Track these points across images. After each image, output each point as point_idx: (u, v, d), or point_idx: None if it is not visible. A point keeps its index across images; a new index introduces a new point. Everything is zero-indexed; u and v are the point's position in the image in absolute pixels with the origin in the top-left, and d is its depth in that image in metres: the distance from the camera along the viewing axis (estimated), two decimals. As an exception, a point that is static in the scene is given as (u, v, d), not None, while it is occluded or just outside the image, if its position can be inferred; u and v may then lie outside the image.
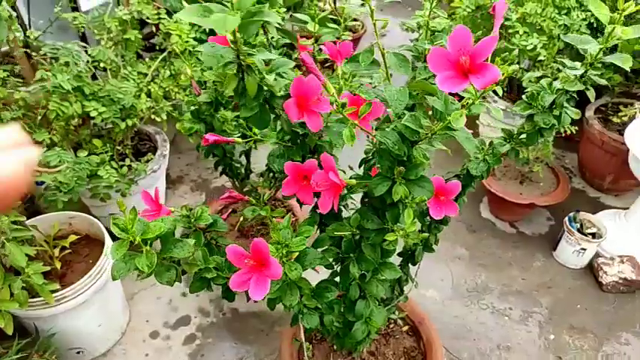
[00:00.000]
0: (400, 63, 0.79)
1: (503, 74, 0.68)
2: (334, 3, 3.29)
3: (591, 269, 2.17)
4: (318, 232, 1.10)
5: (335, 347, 1.50)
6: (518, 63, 2.32)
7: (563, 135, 2.13)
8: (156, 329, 1.90)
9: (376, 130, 0.80)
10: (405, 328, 1.59)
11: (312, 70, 0.73)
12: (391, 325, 1.59)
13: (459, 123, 0.66)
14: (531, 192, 2.25)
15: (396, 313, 1.59)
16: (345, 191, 1.01)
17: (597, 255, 2.17)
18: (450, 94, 0.85)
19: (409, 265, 1.45)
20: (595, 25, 2.20)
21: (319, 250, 0.96)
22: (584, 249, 2.11)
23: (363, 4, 0.78)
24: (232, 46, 0.72)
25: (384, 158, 0.78)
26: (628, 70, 0.93)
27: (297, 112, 0.79)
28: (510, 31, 2.16)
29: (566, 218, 2.16)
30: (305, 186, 0.92)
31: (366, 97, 0.75)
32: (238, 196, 0.96)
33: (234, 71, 0.77)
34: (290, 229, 0.89)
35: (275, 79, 0.81)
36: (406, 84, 0.84)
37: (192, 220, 0.98)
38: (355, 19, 3.33)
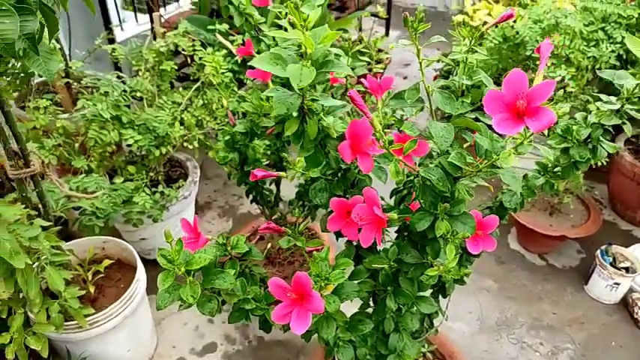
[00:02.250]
0: (446, 100, 0.81)
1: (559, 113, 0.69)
2: (359, 33, 3.36)
3: (626, 305, 2.11)
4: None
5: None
6: (546, 94, 2.32)
7: (594, 167, 2.10)
8: (182, 356, 1.91)
9: (419, 165, 0.81)
10: (435, 362, 1.56)
11: (361, 107, 0.75)
12: (420, 359, 1.57)
13: (508, 162, 0.67)
14: (561, 224, 2.22)
15: (426, 346, 1.56)
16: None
17: (631, 290, 2.10)
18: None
19: (439, 297, 1.44)
20: (625, 57, 2.19)
21: (355, 282, 0.96)
22: (618, 283, 2.05)
23: (411, 44, 0.80)
24: (298, 92, 0.75)
25: (427, 194, 0.79)
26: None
27: (351, 154, 0.80)
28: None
29: (598, 251, 2.11)
30: (350, 222, 0.93)
31: (410, 134, 0.77)
32: (276, 227, 0.98)
33: (296, 114, 0.79)
34: (328, 262, 0.90)
35: (333, 121, 0.83)
36: (449, 120, 0.85)
37: (229, 249, 1.00)
38: (380, 50, 3.39)
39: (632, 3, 2.19)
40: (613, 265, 2.08)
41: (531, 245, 2.36)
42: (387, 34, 4.36)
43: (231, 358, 1.90)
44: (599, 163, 2.09)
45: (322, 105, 0.76)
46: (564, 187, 2.19)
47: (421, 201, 0.78)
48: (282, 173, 1.01)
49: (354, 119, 0.76)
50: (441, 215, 0.78)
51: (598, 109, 1.01)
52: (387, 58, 3.53)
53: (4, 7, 0.83)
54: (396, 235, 1.04)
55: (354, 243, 1.06)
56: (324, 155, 0.83)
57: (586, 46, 2.15)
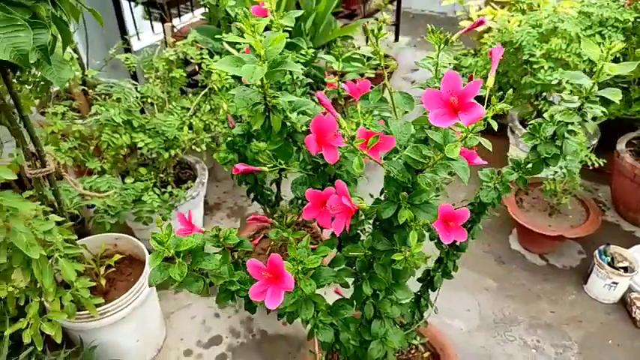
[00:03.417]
0: (405, 101, 0.88)
1: (493, 111, 0.76)
2: (366, 42, 3.44)
3: (624, 304, 2.13)
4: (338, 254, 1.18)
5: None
6: (544, 97, 2.37)
7: (591, 167, 2.14)
8: (189, 347, 2.01)
9: (385, 159, 0.89)
10: (427, 354, 1.62)
11: (327, 107, 0.84)
12: (412, 351, 1.63)
13: (453, 153, 0.74)
14: (560, 224, 2.25)
15: (417, 338, 1.63)
16: (363, 217, 1.10)
17: (630, 290, 2.13)
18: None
19: (429, 291, 1.50)
20: (621, 60, 2.23)
21: (336, 269, 1.04)
22: (616, 283, 2.08)
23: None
24: (260, 90, 0.84)
25: (390, 184, 0.87)
26: None
27: (317, 145, 0.89)
28: (535, 66, 2.22)
29: (597, 251, 2.14)
30: (324, 211, 1.01)
31: (374, 131, 0.85)
32: (262, 218, 1.07)
33: (262, 110, 0.88)
34: (308, 249, 0.98)
35: (297, 117, 0.91)
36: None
37: (222, 240, 1.09)
38: (387, 56, 3.47)
39: (629, 7, 2.23)
40: (611, 264, 2.10)
41: (531, 246, 2.40)
42: (396, 39, 4.44)
43: (236, 351, 1.99)
44: (596, 164, 2.13)
45: (288, 102, 0.84)
46: (562, 188, 2.22)
47: (386, 191, 0.86)
48: (264, 168, 1.09)
49: (318, 115, 0.85)
50: (403, 204, 0.85)
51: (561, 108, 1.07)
52: (396, 64, 3.61)
53: (19, 22, 0.94)
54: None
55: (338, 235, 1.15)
56: (292, 148, 0.91)
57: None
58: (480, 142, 0.80)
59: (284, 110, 0.86)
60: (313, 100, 0.88)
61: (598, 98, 1.01)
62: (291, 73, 1.17)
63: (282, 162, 1.07)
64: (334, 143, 0.90)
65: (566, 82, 2.21)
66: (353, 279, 1.10)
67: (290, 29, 1.16)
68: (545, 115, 1.07)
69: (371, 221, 1.11)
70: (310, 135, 0.88)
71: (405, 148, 0.82)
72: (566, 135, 1.04)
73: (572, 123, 1.01)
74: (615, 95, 0.92)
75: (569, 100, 1.00)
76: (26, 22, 0.96)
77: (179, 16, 3.41)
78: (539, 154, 1.06)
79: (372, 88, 1.23)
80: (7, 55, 0.93)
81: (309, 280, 0.93)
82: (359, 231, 1.15)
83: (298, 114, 0.89)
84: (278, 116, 0.85)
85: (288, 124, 0.91)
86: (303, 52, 1.44)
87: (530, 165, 1.12)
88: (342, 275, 1.03)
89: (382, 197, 1.14)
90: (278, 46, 0.77)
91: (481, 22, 1.12)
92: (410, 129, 0.81)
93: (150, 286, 0.86)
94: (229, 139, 1.60)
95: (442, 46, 1.04)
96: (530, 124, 1.07)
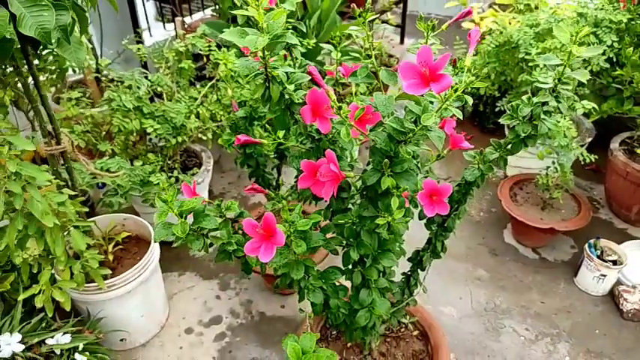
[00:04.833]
0: (389, 76, 0.97)
1: (465, 85, 0.85)
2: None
3: (612, 297, 2.19)
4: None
5: (348, 343, 1.63)
6: (540, 95, 2.44)
7: (584, 165, 2.21)
8: (191, 326, 2.09)
9: (371, 131, 0.98)
10: (415, 332, 1.70)
11: (318, 80, 0.93)
12: (402, 329, 1.71)
13: (428, 122, 0.83)
14: (552, 217, 2.32)
15: (407, 317, 1.71)
16: (355, 190, 1.18)
17: (619, 282, 2.19)
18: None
19: (419, 270, 1.58)
20: (615, 60, 2.30)
21: (327, 235, 1.13)
22: (605, 275, 2.14)
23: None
24: (261, 60, 0.93)
25: (375, 154, 0.95)
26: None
27: (311, 116, 0.98)
28: (531, 64, 2.29)
29: (587, 245, 2.21)
30: (318, 181, 1.10)
31: (360, 104, 0.93)
32: (259, 188, 1.16)
33: (262, 80, 0.97)
34: (301, 216, 1.07)
35: (295, 90, 1.00)
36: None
37: (223, 210, 1.17)
38: (391, 55, 3.56)
39: (623, 10, 2.30)
40: (600, 257, 2.17)
41: (524, 238, 2.47)
42: (401, 41, 4.53)
43: (235, 330, 2.08)
44: (587, 160, 2.20)
45: (284, 74, 0.93)
46: (555, 183, 2.29)
47: (371, 160, 0.95)
48: (263, 141, 1.18)
49: (313, 88, 0.94)
50: (386, 172, 0.94)
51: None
52: (398, 63, 3.69)
53: (43, 3, 1.04)
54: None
55: (332, 208, 1.23)
56: (289, 118, 1.00)
57: (577, 49, 2.27)
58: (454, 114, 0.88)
59: (282, 82, 0.95)
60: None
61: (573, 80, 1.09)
62: (291, 54, 1.26)
63: (280, 136, 1.15)
64: (327, 115, 0.98)
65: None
66: (343, 247, 1.18)
67: (293, 21, 1.25)
68: (523, 97, 1.15)
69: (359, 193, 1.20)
70: (306, 106, 0.97)
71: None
72: (543, 116, 1.12)
73: (547, 103, 1.09)
74: (584, 76, 1.00)
75: (543, 81, 1.08)
76: (50, 2, 1.06)
77: (190, 14, 3.53)
78: (517, 134, 1.14)
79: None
80: (32, 32, 1.03)
81: (300, 241, 1.01)
82: (350, 204, 1.24)
83: (295, 88, 0.98)
84: (277, 86, 0.94)
85: (286, 95, 1.00)
86: (305, 42, 1.52)
87: (510, 145, 1.20)
88: (331, 242, 1.12)
89: (369, 168, 1.23)
90: (279, 21, 0.86)
91: (469, 12, 1.20)
92: (392, 102, 0.89)
93: (155, 242, 0.95)
94: (232, 122, 1.69)
95: (430, 32, 1.13)
96: (509, 106, 1.15)
